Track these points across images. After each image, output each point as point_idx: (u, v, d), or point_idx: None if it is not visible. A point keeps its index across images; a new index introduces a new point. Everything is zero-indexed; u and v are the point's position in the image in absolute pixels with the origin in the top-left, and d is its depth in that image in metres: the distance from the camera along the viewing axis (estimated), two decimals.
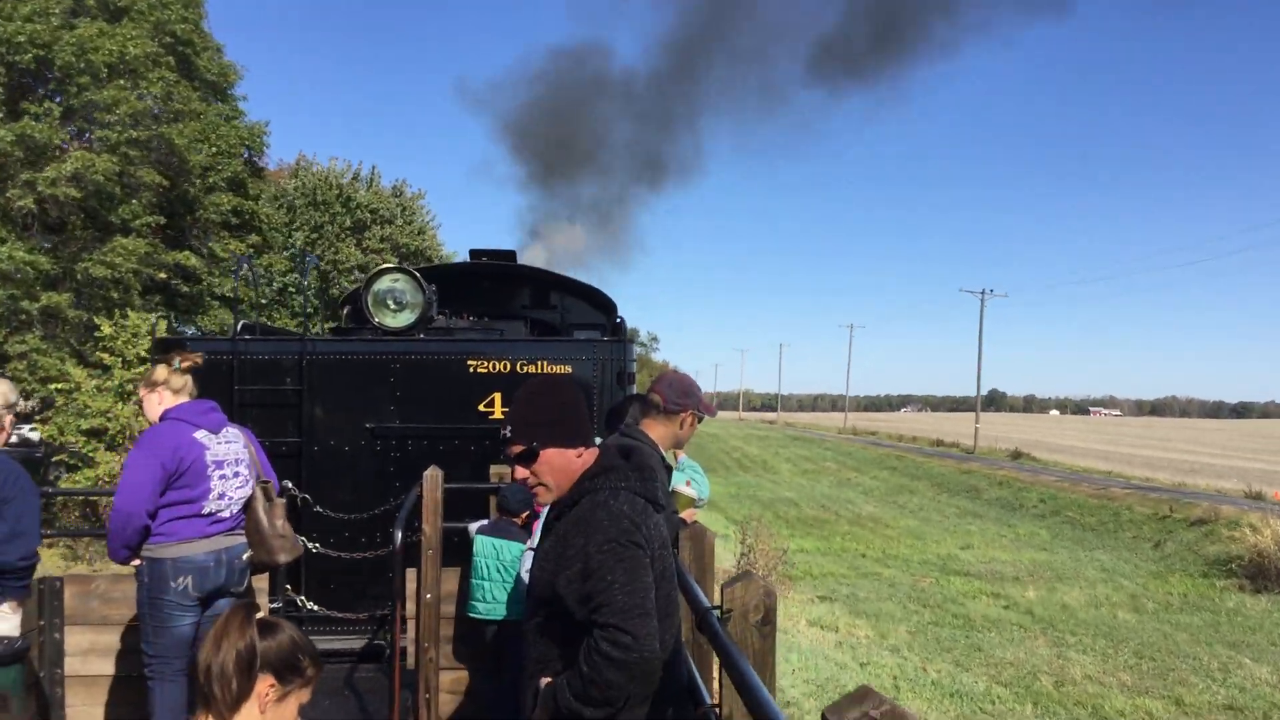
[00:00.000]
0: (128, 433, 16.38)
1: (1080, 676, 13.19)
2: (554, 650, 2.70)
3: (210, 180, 23.79)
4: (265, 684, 2.11)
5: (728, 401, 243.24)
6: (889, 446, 63.98)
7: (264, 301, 25.70)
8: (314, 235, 33.38)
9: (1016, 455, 50.81)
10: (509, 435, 2.75)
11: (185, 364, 4.54)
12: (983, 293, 61.53)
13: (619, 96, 34.36)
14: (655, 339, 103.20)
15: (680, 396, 4.13)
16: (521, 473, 2.78)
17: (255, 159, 27.78)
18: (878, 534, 27.17)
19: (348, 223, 33.85)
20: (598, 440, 2.99)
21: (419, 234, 36.53)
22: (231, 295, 23.88)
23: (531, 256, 18.69)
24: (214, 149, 23.68)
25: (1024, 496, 34.15)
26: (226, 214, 24.81)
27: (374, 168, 36.21)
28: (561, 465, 2.75)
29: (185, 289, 24.34)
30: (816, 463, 54.30)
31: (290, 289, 31.84)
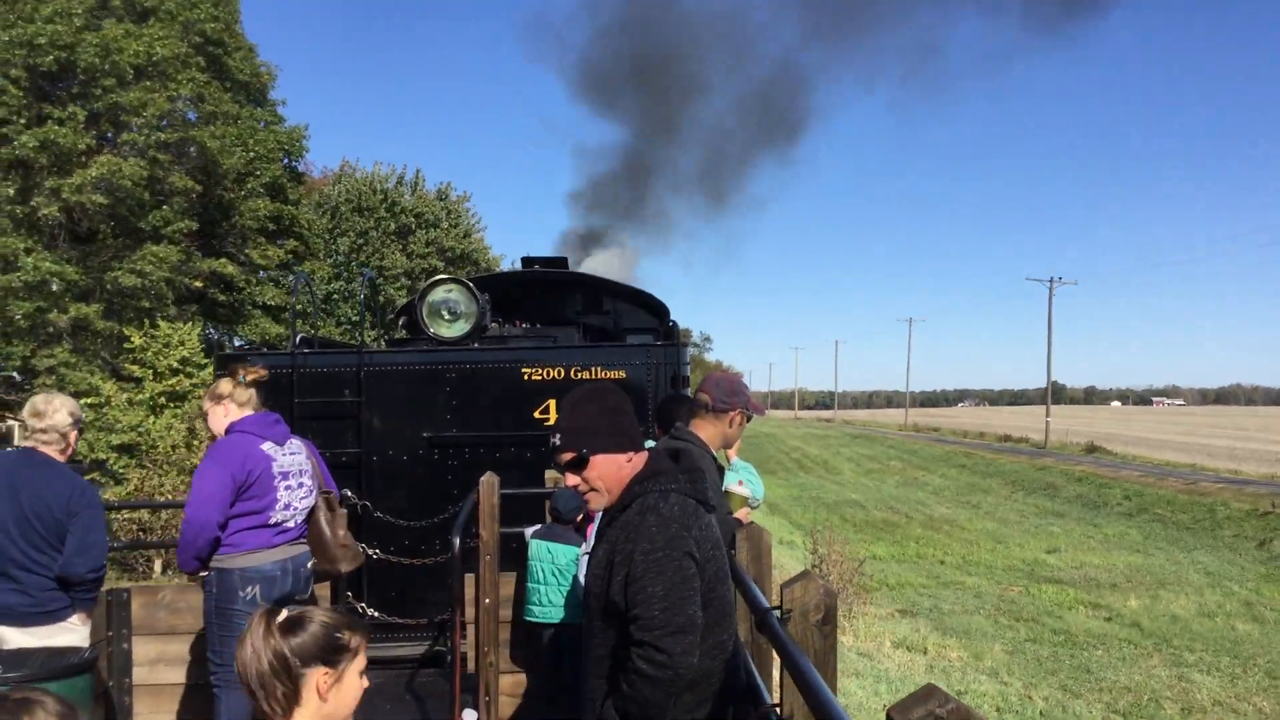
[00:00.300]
0: (161, 448, 15.49)
1: (1209, 702, 11.99)
2: (613, 655, 2.77)
3: (248, 185, 23.45)
4: (319, 674, 2.14)
5: (782, 400, 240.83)
6: (953, 443, 62.32)
7: (309, 310, 24.92)
8: (359, 241, 33.46)
9: (1091, 449, 48.84)
10: (558, 444, 2.85)
11: (251, 377, 4.72)
12: (1051, 281, 58.14)
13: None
14: (708, 339, 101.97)
15: (728, 395, 4.25)
16: (573, 479, 2.87)
17: (295, 163, 27.42)
18: (954, 538, 25.72)
19: (392, 228, 33.90)
20: (649, 443, 3.12)
21: (465, 237, 36.41)
22: (283, 307, 23.91)
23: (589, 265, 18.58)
24: (251, 153, 23.21)
25: (1107, 494, 32.72)
26: (264, 220, 24.46)
27: (418, 171, 36.40)
28: (612, 471, 2.84)
29: (223, 298, 23.95)
30: (880, 461, 52.46)
31: (334, 296, 31.22)
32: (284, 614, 2.18)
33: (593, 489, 2.85)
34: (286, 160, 26.16)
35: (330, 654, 2.17)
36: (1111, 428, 77.30)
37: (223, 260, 22.77)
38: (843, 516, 29.07)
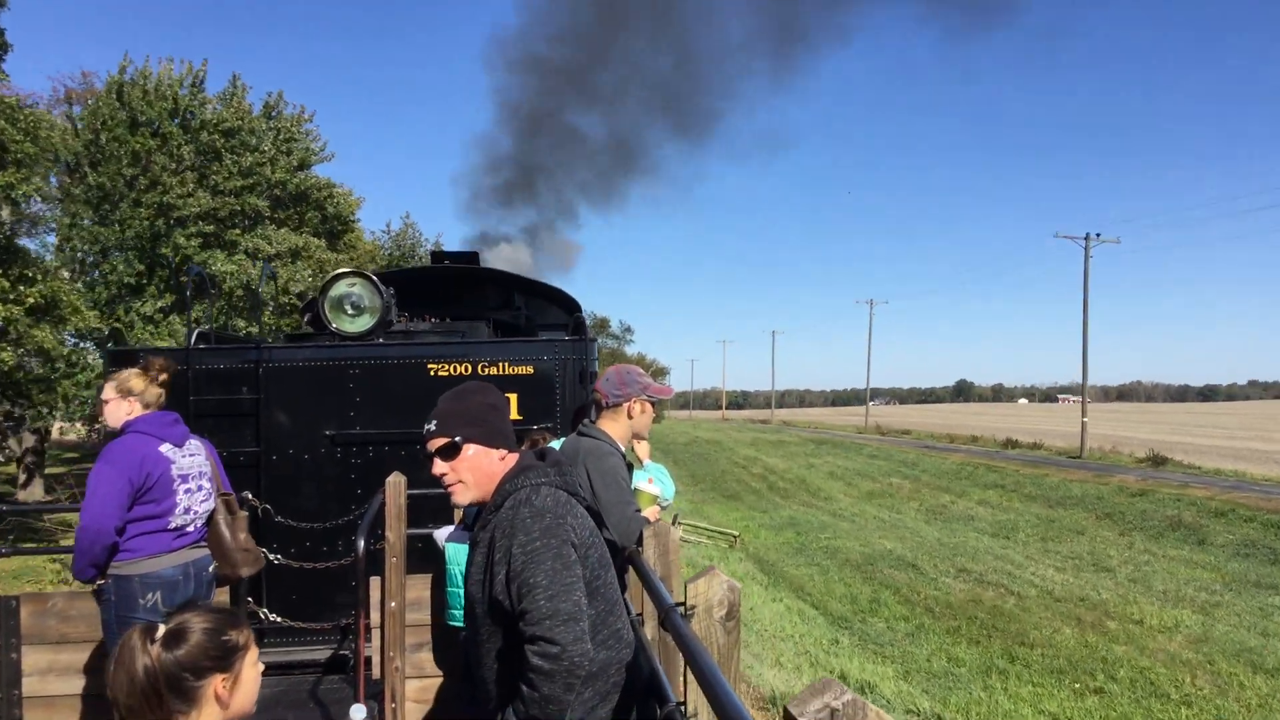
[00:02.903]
0: None
1: None
2: (501, 659, 2.74)
3: None
4: (216, 682, 2.09)
5: (707, 400, 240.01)
6: (946, 450, 52.66)
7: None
8: (131, 170, 23.92)
9: (1157, 460, 39.48)
10: (433, 429, 2.84)
11: (163, 375, 4.61)
12: (1087, 238, 46.99)
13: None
14: (629, 330, 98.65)
15: (618, 388, 4.28)
16: (440, 468, 2.86)
17: None
18: (1133, 640, 16.40)
19: (187, 152, 24.58)
20: (557, 443, 3.22)
21: (300, 169, 27.84)
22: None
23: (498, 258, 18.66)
24: None
25: None
26: None
27: (235, 77, 26.80)
28: (483, 465, 2.86)
29: None
30: (876, 479, 42.64)
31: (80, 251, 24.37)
32: (161, 629, 2.08)
33: (459, 480, 2.86)
34: None
35: (222, 658, 2.11)
36: (1056, 424, 70.05)
37: None
38: (897, 592, 19.98)
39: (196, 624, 2.11)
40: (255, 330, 21.46)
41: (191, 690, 2.05)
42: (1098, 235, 46.82)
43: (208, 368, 6.86)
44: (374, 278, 7.38)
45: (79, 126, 25.10)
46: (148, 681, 2.02)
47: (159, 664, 2.03)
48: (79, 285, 23.11)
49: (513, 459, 2.89)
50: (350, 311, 7.30)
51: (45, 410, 20.46)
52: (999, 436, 57.43)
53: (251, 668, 2.18)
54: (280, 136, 27.11)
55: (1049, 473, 37.47)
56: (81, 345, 23.37)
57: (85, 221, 23.94)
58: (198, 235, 24.20)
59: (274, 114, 27.66)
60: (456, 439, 2.82)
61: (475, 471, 2.85)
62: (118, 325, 23.10)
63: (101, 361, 22.66)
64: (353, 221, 32.82)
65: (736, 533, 26.19)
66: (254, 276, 23.29)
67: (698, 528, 25.57)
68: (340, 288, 7.32)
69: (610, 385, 4.31)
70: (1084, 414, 47.57)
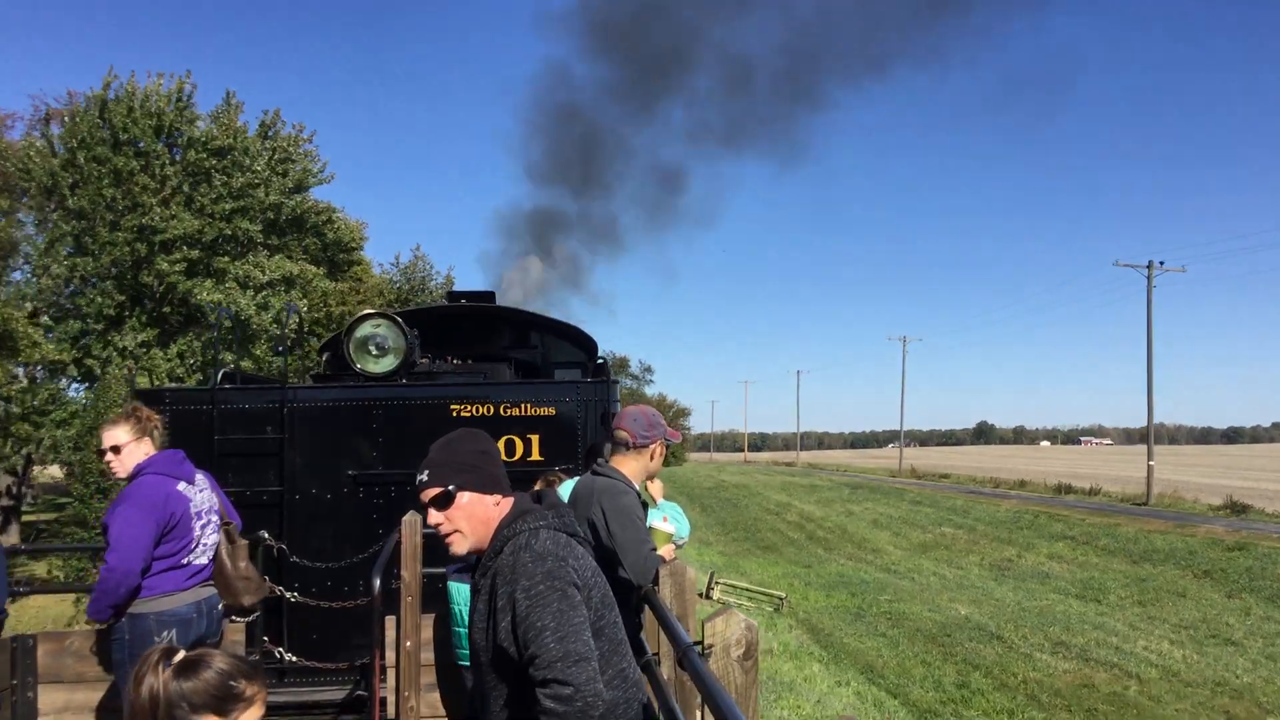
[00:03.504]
0: None
1: None
2: (509, 705, 2.73)
3: None
4: None
5: (725, 442, 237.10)
6: (994, 495, 48.96)
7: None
8: (113, 190, 22.17)
9: (1237, 508, 36.25)
10: (425, 479, 2.82)
11: (151, 422, 4.68)
12: (1150, 266, 43.79)
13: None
14: (649, 370, 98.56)
15: (647, 430, 4.34)
16: (435, 518, 2.84)
17: None
18: None
19: (172, 172, 22.93)
20: (571, 482, 3.21)
21: (295, 191, 25.54)
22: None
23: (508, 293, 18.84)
24: None
25: None
26: None
27: (229, 93, 24.78)
28: (479, 512, 2.82)
29: None
30: (924, 528, 37.99)
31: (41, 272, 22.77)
32: (181, 654, 2.12)
33: (456, 530, 2.83)
34: None
35: (222, 703, 2.11)
36: (1129, 470, 63.03)
37: None
38: (987, 673, 16.22)
39: (213, 662, 2.14)
40: (244, 364, 21.30)
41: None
42: (1161, 264, 43.73)
43: (233, 407, 6.92)
44: (398, 319, 7.44)
45: (58, 148, 22.99)
46: (149, 701, 2.05)
47: (164, 687, 2.06)
48: (44, 318, 21.95)
49: (508, 503, 2.87)
50: (375, 352, 7.37)
51: (16, 449, 20.01)
52: (1047, 481, 53.99)
53: None
54: (275, 157, 24.66)
55: (1120, 522, 34.23)
56: (54, 381, 22.59)
57: (64, 250, 22.43)
58: (182, 261, 22.53)
59: (270, 133, 25.15)
60: (450, 488, 2.80)
61: (471, 519, 2.83)
62: (91, 360, 21.93)
63: (81, 398, 22.65)
64: (355, 249, 31.39)
65: (783, 594, 22.35)
66: (244, 306, 22.20)
67: (736, 588, 22.43)
68: (365, 329, 7.39)
69: (639, 426, 4.34)
70: (1150, 457, 43.20)
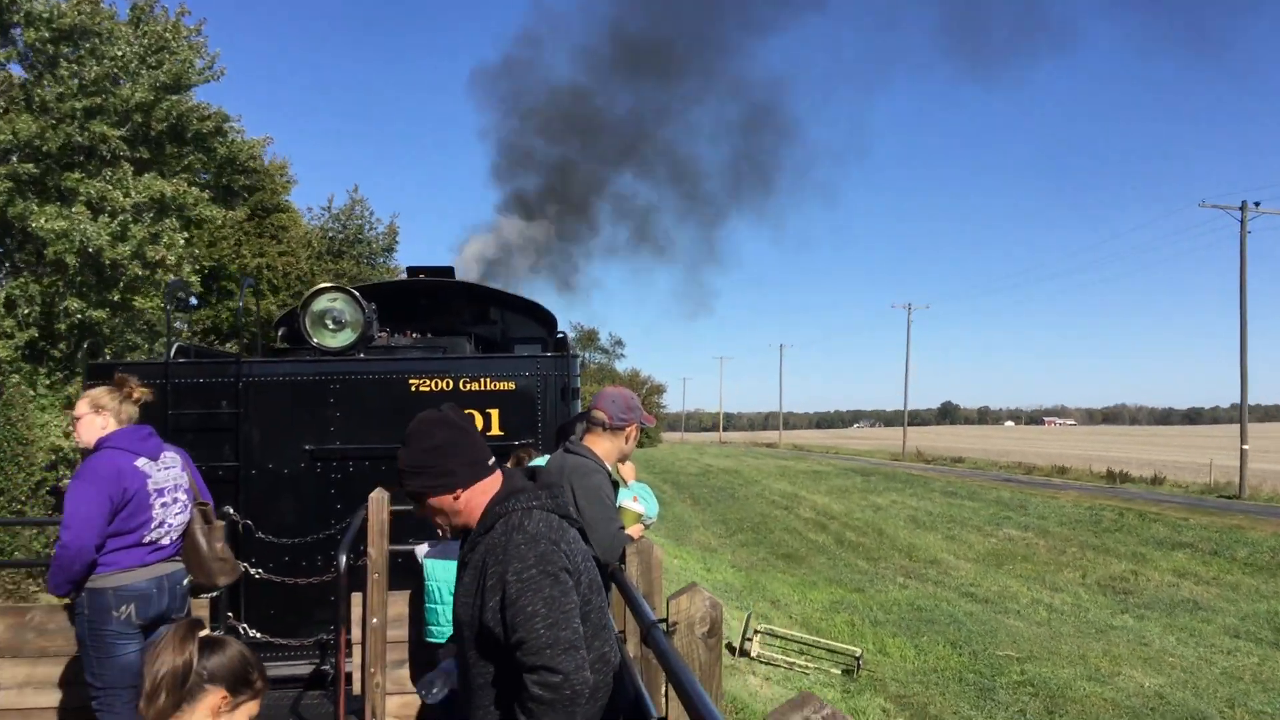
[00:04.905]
0: None
1: None
2: (495, 684, 2.77)
3: None
4: (218, 696, 2.19)
5: (691, 422, 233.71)
6: (1036, 484, 43.00)
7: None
8: None
9: None
10: (400, 480, 2.87)
11: (138, 396, 4.68)
12: (1244, 207, 37.29)
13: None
14: (620, 343, 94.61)
15: (624, 412, 4.41)
16: (418, 512, 2.91)
17: None
18: None
19: (4, 57, 17.56)
20: (541, 460, 3.29)
21: (174, 87, 18.79)
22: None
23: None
24: None
25: None
26: None
27: None
28: (446, 506, 2.83)
29: None
30: (981, 529, 31.15)
31: None
32: (206, 630, 2.23)
33: (435, 519, 2.88)
34: None
35: (236, 683, 2.22)
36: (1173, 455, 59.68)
37: None
38: None
39: (235, 644, 2.27)
40: (96, 314, 16.92)
41: (196, 690, 2.16)
42: (1256, 204, 36.99)
43: (187, 382, 6.93)
44: (355, 293, 7.50)
45: None
46: (181, 670, 2.15)
47: (193, 660, 2.17)
48: None
49: (489, 484, 2.86)
50: (331, 326, 7.39)
51: None
52: (1092, 467, 48.22)
53: (246, 715, 2.28)
54: (147, 43, 18.51)
55: (1239, 522, 27.90)
56: None
57: None
58: (8, 179, 16.50)
59: (143, 16, 19.22)
60: (413, 491, 2.85)
61: (442, 514, 2.85)
62: None
63: None
64: (279, 193, 27.43)
65: (859, 652, 15.07)
66: (93, 238, 16.27)
67: (786, 641, 15.31)
68: (322, 302, 7.41)
69: (616, 408, 4.40)
70: (1244, 440, 36.24)
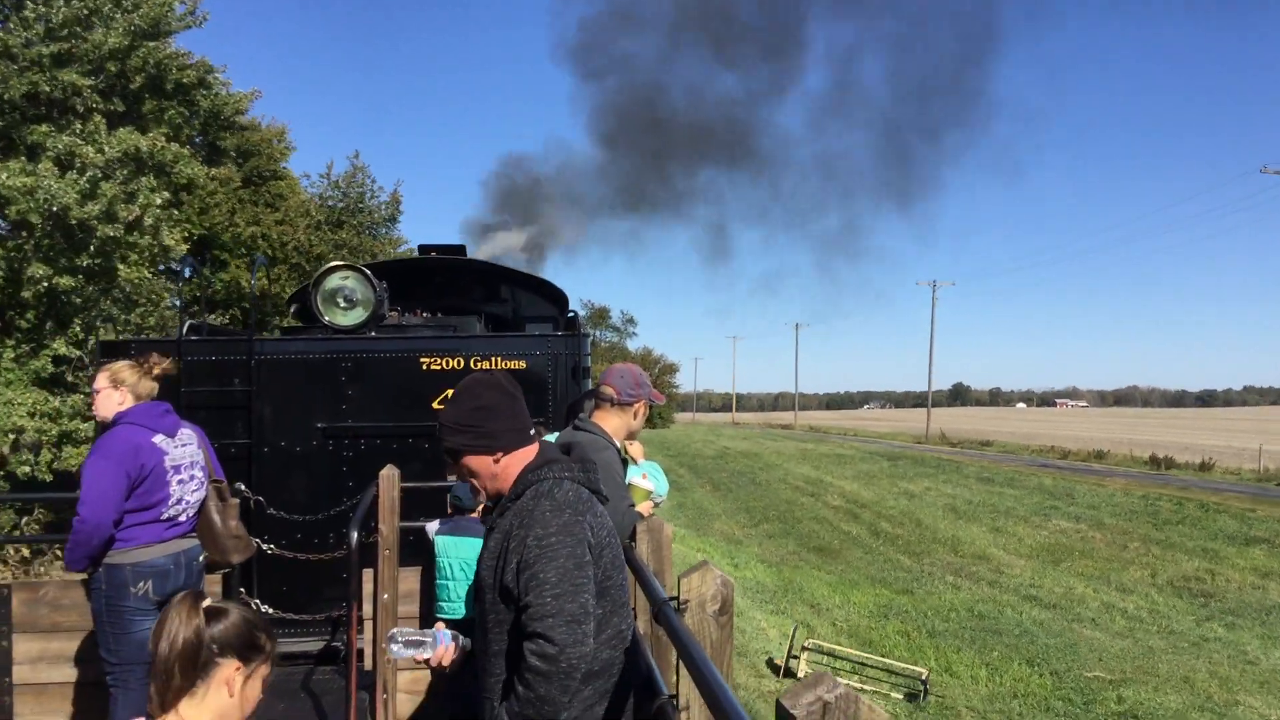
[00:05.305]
0: None
1: None
2: (509, 655, 2.78)
3: None
4: (231, 668, 2.14)
5: (701, 402, 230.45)
6: (1077, 470, 40.78)
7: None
8: None
9: None
10: (439, 434, 2.92)
11: (158, 370, 4.68)
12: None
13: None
14: (632, 321, 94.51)
15: (633, 388, 4.42)
16: (451, 470, 3.01)
17: None
18: None
19: None
20: (551, 436, 3.28)
21: (149, 35, 16.61)
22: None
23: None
24: None
25: None
26: None
27: None
28: (482, 469, 2.88)
29: None
30: (1028, 520, 28.85)
31: None
32: (207, 601, 2.18)
33: (471, 481, 2.93)
34: None
35: (246, 649, 2.18)
36: (1162, 435, 59.31)
37: None
38: None
39: (235, 609, 2.22)
40: (62, 282, 14.84)
41: (209, 665, 2.12)
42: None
43: (200, 359, 6.97)
44: (367, 271, 7.53)
45: None
46: (192, 642, 2.11)
47: (201, 630, 2.12)
48: None
49: (526, 452, 2.92)
50: (343, 304, 7.43)
51: None
52: (1133, 452, 45.79)
53: (258, 680, 2.23)
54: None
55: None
56: None
57: None
58: None
59: None
60: (451, 448, 2.90)
61: (479, 475, 2.90)
62: None
63: None
64: (277, 159, 26.41)
65: (924, 673, 13.44)
66: (59, 196, 14.28)
67: (833, 659, 13.66)
68: (333, 280, 7.44)
69: (625, 384, 4.43)
70: None
